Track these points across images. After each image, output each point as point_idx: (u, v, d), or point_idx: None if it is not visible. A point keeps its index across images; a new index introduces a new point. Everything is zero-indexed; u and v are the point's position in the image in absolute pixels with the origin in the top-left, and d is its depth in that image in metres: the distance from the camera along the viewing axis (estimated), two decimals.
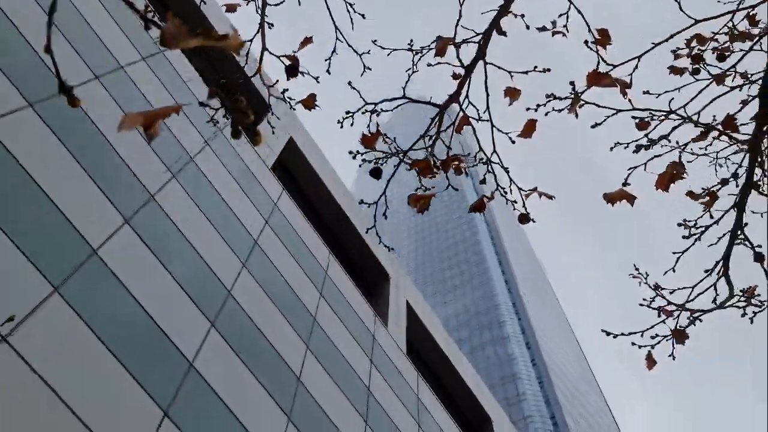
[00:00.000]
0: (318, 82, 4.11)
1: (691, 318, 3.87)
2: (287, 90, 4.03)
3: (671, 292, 3.94)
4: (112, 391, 7.66)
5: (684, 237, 4.17)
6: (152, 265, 9.68)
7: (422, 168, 3.39)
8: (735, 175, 3.99)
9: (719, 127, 3.79)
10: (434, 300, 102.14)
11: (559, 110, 3.78)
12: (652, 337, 3.94)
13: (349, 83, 3.82)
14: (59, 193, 8.73)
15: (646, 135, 3.91)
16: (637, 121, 3.86)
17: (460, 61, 3.67)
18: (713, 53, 4.02)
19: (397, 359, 17.15)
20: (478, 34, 3.61)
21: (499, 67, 3.70)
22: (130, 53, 12.97)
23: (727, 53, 4.00)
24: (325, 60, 4.36)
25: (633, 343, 3.99)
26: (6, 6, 9.69)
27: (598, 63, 3.62)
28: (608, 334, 4.08)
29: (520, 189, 3.59)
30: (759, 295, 3.89)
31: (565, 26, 3.85)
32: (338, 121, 3.81)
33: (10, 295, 7.07)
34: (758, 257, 3.82)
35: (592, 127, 3.85)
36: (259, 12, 3.89)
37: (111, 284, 8.59)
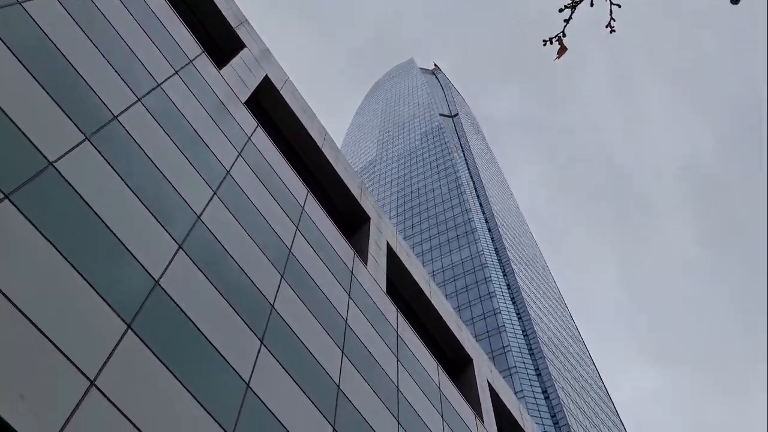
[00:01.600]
0: None
1: None
2: None
3: None
4: (72, 303, 7.45)
5: None
6: (116, 185, 9.38)
7: None
8: None
9: None
10: (420, 259, 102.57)
11: None
12: (566, 21, 3.75)
13: None
14: (13, 106, 8.35)
15: None
16: None
17: None
18: None
19: (377, 296, 17.09)
20: None
21: None
22: None
23: None
24: None
25: (543, 41, 3.81)
26: None
27: None
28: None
29: None
30: None
31: None
32: None
33: None
34: None
35: None
36: None
37: (70, 198, 8.30)
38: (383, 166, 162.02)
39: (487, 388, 23.13)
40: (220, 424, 8.54)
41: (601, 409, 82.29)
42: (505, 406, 23.95)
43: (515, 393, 66.50)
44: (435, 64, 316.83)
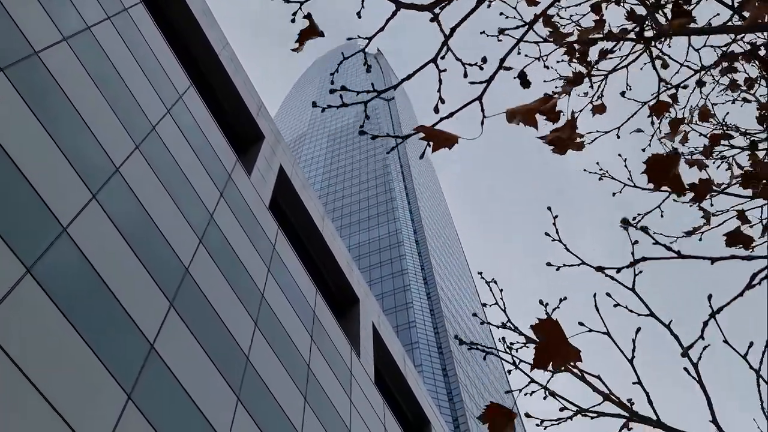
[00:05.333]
0: None
1: None
2: None
3: None
4: None
5: None
6: None
7: None
8: None
9: None
10: (339, 232, 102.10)
11: None
12: None
13: None
14: None
15: None
16: None
17: None
18: None
19: (256, 207, 16.22)
20: None
21: None
22: None
23: None
24: None
25: None
26: None
27: None
28: None
29: None
30: None
31: None
32: None
33: None
34: None
35: None
36: None
37: None
38: (313, 141, 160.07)
39: (371, 330, 22.79)
40: (38, 281, 7.52)
41: (496, 391, 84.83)
42: (389, 352, 23.70)
43: (415, 366, 67.43)
44: (378, 49, 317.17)
